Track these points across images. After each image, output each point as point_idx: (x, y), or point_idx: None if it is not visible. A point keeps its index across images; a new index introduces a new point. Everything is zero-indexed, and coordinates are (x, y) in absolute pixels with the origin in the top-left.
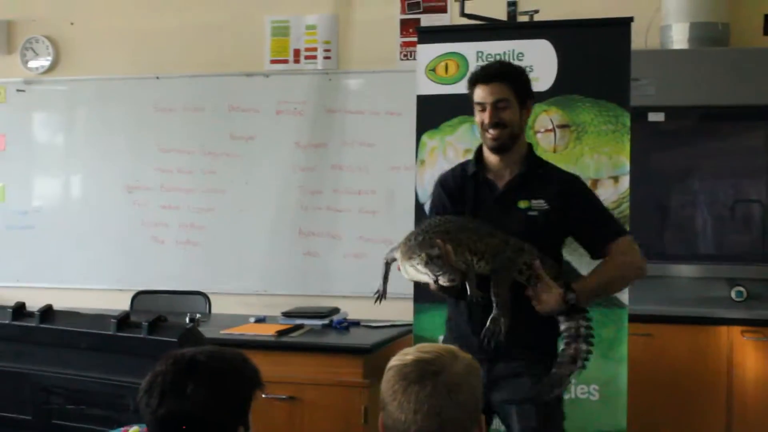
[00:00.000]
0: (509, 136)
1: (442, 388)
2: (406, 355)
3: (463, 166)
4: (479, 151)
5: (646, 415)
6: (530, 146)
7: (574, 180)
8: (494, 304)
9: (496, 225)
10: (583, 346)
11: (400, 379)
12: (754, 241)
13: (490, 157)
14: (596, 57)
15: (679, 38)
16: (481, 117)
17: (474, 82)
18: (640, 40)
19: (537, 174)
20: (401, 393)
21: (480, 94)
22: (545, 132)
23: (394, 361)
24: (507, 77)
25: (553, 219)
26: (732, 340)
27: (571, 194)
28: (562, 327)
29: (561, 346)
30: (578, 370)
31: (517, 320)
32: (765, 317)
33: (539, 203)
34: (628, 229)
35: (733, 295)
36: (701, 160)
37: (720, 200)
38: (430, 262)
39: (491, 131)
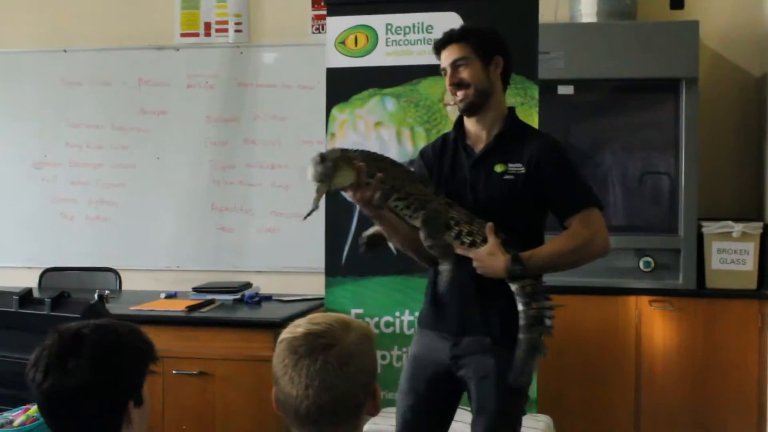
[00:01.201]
0: (476, 94)
1: (334, 361)
2: (296, 328)
3: (444, 137)
4: (460, 118)
5: (556, 384)
6: (512, 109)
7: (554, 144)
8: (436, 253)
9: (473, 190)
10: (546, 303)
11: (291, 353)
12: (662, 212)
13: (468, 123)
14: (504, 30)
15: (587, 11)
16: (446, 82)
17: (436, 50)
18: (549, 13)
19: (515, 136)
20: (291, 368)
21: (441, 60)
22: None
23: (285, 333)
24: (463, 37)
25: (530, 183)
26: (640, 309)
27: (545, 159)
28: (514, 287)
29: (519, 307)
30: (548, 330)
31: (485, 294)
32: (672, 287)
33: (516, 167)
34: None
35: (641, 265)
36: (611, 132)
37: (629, 173)
38: (320, 163)
39: (457, 93)
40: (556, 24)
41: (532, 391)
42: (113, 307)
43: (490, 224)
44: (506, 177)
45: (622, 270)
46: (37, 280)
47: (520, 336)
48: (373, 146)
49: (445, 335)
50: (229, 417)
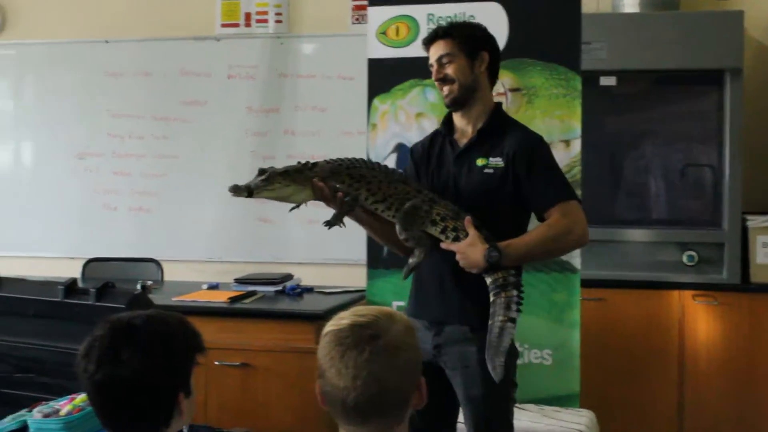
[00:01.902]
0: (460, 90)
1: (381, 352)
2: (341, 320)
3: (434, 133)
4: (449, 114)
5: (599, 379)
6: (498, 104)
7: (531, 138)
8: (411, 244)
9: (455, 184)
10: (513, 292)
11: (337, 344)
12: (705, 205)
13: (455, 118)
14: (547, 20)
15: (630, 1)
16: (432, 77)
17: (424, 46)
18: (591, 3)
19: (497, 131)
20: (338, 359)
21: (429, 56)
22: (496, 96)
23: (330, 326)
24: (450, 33)
25: (508, 177)
26: (683, 304)
27: (522, 153)
28: (488, 280)
29: (491, 297)
30: (514, 315)
31: (464, 285)
32: (716, 281)
33: (496, 161)
34: (581, 195)
35: (684, 259)
36: (653, 124)
37: (672, 165)
38: (257, 175)
39: (443, 89)
40: (598, 14)
41: (575, 384)
42: (156, 298)
43: (468, 217)
44: (486, 171)
45: (664, 264)
46: (79, 270)
47: (489, 322)
48: (414, 137)
49: (427, 324)
50: (270, 408)
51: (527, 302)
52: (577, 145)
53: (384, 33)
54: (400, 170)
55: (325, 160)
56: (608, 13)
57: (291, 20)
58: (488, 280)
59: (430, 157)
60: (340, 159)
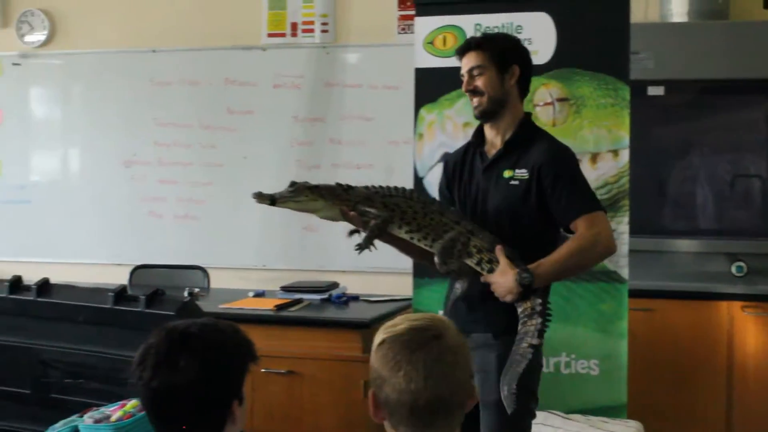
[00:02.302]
0: (489, 102)
1: (446, 351)
2: (397, 326)
3: (467, 144)
4: (480, 126)
5: (647, 390)
6: (528, 114)
7: (556, 150)
8: (451, 276)
9: (484, 196)
10: (539, 319)
11: (402, 348)
12: (754, 216)
13: (486, 129)
14: (595, 30)
15: (678, 11)
16: (463, 88)
17: (457, 56)
18: (639, 13)
19: (525, 142)
20: (406, 362)
21: (462, 66)
22: (544, 105)
23: (386, 333)
24: (481, 45)
25: (533, 189)
26: (732, 315)
27: (547, 164)
28: (519, 309)
29: (519, 326)
30: (536, 342)
31: (488, 297)
32: (765, 292)
33: (522, 172)
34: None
35: (733, 270)
36: (701, 134)
37: (720, 175)
38: (288, 186)
39: (472, 100)
40: (646, 24)
41: (622, 395)
42: (202, 305)
43: (498, 246)
44: (512, 183)
45: (713, 275)
46: (126, 277)
47: (513, 348)
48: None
49: None
50: (316, 416)
51: (575, 312)
52: (625, 156)
53: (431, 43)
54: (438, 200)
55: (364, 186)
56: (656, 22)
57: (337, 30)
58: (519, 309)
59: (462, 168)
60: (379, 186)
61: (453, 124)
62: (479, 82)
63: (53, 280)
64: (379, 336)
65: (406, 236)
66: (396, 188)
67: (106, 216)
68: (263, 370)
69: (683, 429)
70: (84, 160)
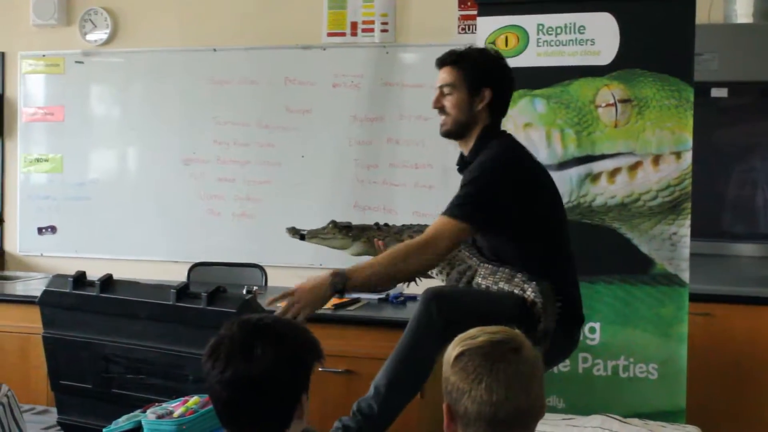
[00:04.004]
0: (453, 124)
1: (525, 364)
2: (475, 338)
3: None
4: None
5: (705, 395)
6: (485, 128)
7: (485, 157)
8: None
9: None
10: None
11: (483, 360)
12: None
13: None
14: (659, 30)
15: (743, 12)
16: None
17: (437, 66)
18: (703, 13)
19: (478, 153)
20: (487, 374)
21: (438, 79)
22: (606, 106)
23: (463, 345)
24: (459, 62)
25: None
26: None
27: (469, 170)
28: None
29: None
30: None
31: None
32: None
33: None
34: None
35: None
36: (764, 136)
37: None
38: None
39: (440, 116)
40: (709, 24)
41: (681, 400)
42: (261, 303)
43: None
44: None
45: None
46: (184, 274)
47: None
48: None
49: None
50: None
51: (635, 315)
52: (688, 158)
53: (493, 43)
54: None
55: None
56: (720, 23)
57: (397, 30)
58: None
59: None
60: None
61: (514, 124)
62: (447, 102)
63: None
64: (456, 348)
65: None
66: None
67: (164, 213)
68: (320, 369)
69: None
70: (143, 158)
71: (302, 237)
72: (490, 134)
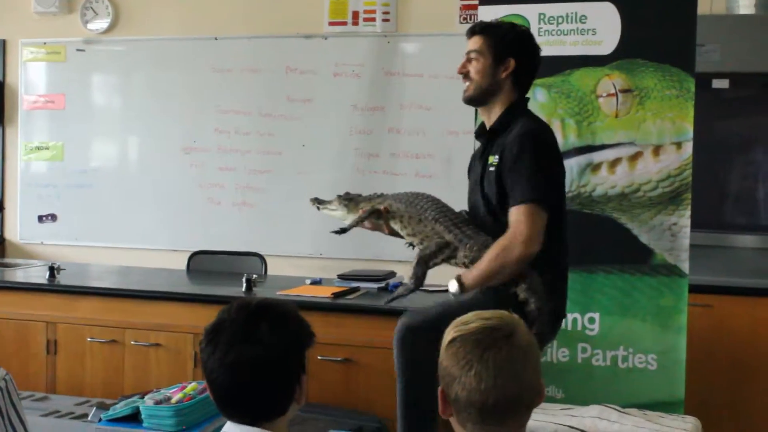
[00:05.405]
0: (476, 90)
1: (518, 350)
2: (467, 324)
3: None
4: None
5: (704, 386)
6: (514, 102)
7: (525, 130)
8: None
9: (480, 184)
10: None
11: (473, 347)
12: None
13: (482, 115)
14: (661, 20)
15: (745, 3)
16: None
17: (466, 36)
18: (705, 4)
19: (504, 128)
20: (477, 361)
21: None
22: (607, 96)
23: (455, 332)
24: (485, 30)
25: (500, 174)
26: None
27: (510, 145)
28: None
29: None
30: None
31: None
32: None
33: (495, 158)
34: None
35: None
36: (765, 128)
37: None
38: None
39: (464, 82)
40: (711, 15)
41: (680, 390)
42: (260, 292)
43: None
44: (490, 169)
45: None
46: (184, 262)
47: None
48: None
49: None
50: (372, 405)
51: (634, 306)
52: (688, 148)
53: None
54: (453, 211)
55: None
56: (722, 14)
57: (398, 19)
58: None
59: (473, 158)
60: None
61: None
62: (471, 68)
63: (113, 264)
64: (450, 333)
65: (399, 231)
66: (424, 197)
67: (165, 202)
68: (319, 357)
69: (741, 426)
70: (144, 146)
71: (318, 208)
72: (518, 111)
